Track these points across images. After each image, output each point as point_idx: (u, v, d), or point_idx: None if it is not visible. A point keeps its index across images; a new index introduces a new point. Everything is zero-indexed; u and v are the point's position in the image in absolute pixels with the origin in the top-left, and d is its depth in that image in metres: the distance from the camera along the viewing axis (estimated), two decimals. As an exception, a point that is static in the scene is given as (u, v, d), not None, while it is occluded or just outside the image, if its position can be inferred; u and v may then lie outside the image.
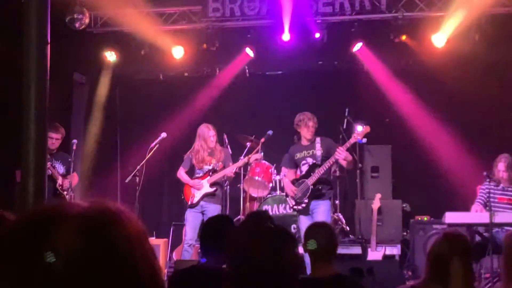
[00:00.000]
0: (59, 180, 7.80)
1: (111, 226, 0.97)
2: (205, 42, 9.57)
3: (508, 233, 3.69)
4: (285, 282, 2.22)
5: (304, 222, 7.46)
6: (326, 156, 7.40)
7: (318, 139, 7.55)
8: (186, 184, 8.13)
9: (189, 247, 7.87)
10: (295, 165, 7.68)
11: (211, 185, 8.00)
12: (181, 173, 8.20)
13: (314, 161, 7.46)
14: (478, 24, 8.76)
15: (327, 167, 7.40)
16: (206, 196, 7.98)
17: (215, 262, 3.49)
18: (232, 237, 2.28)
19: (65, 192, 7.80)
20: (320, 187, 7.41)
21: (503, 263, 3.45)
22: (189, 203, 8.02)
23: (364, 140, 7.84)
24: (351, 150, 7.94)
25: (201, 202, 7.98)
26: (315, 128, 7.50)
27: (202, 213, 7.97)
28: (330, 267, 3.63)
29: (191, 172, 8.17)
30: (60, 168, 7.93)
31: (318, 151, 7.46)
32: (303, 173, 7.52)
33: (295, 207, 7.57)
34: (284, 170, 7.95)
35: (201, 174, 8.10)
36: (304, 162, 7.55)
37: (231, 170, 7.99)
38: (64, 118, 8.41)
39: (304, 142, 7.59)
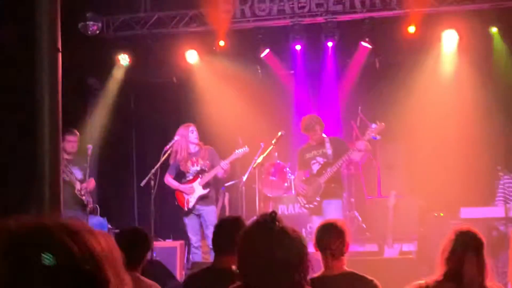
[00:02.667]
0: (77, 186, 7.87)
1: (32, 250, 0.93)
2: (217, 43, 9.62)
3: None
4: (295, 281, 2.24)
5: (317, 222, 7.44)
6: (335, 155, 7.41)
7: (327, 139, 7.56)
8: (177, 190, 8.10)
9: (196, 249, 7.96)
10: (305, 165, 7.69)
11: (204, 186, 7.98)
12: (168, 179, 8.13)
13: (326, 160, 7.47)
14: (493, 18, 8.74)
15: (339, 165, 7.40)
16: (200, 199, 7.98)
17: (226, 262, 3.53)
18: (241, 238, 2.31)
19: (83, 197, 7.88)
20: (332, 185, 7.42)
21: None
22: (185, 208, 8.00)
23: (379, 137, 7.82)
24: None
25: (196, 206, 7.98)
26: (322, 130, 7.52)
27: (199, 216, 7.99)
28: (341, 264, 3.65)
29: (179, 177, 8.14)
30: (78, 174, 8.00)
31: (329, 150, 7.47)
32: (314, 172, 7.53)
33: (306, 205, 7.57)
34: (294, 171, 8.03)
35: (190, 178, 8.07)
36: (314, 161, 7.55)
37: (223, 165, 7.85)
38: (79, 123, 8.48)
39: (313, 142, 7.60)
